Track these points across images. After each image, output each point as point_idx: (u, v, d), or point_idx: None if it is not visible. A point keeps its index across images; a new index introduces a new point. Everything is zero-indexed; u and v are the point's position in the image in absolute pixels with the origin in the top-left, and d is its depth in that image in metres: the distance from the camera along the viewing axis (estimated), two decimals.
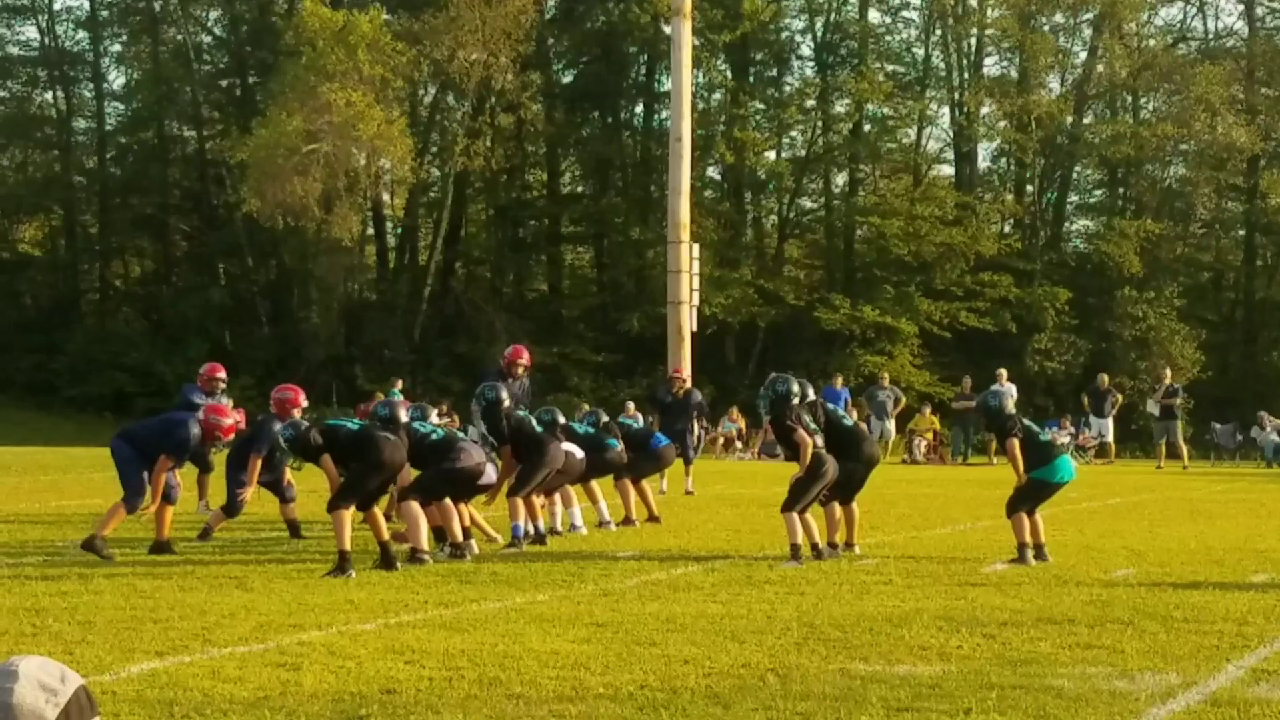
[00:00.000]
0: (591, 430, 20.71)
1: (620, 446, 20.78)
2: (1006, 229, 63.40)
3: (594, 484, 20.67)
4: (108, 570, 15.46)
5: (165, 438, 17.08)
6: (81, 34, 70.15)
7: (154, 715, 8.65)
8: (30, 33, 70.71)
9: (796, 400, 17.27)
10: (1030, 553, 16.55)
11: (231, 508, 18.89)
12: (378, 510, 16.31)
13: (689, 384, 22.02)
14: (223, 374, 21.66)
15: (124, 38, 70.32)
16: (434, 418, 19.82)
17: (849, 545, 17.66)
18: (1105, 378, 44.98)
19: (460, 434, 18.83)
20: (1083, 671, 10.18)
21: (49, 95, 71.04)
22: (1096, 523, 22.01)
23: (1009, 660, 10.60)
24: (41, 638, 11.36)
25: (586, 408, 26.58)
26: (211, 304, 62.83)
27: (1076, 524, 21.67)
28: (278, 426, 17.62)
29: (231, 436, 18.32)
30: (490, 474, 17.72)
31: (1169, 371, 45.64)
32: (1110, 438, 44.09)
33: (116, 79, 71.98)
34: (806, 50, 65.59)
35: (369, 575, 15.16)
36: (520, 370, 21.90)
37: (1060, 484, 17.08)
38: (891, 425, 44.17)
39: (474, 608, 13.03)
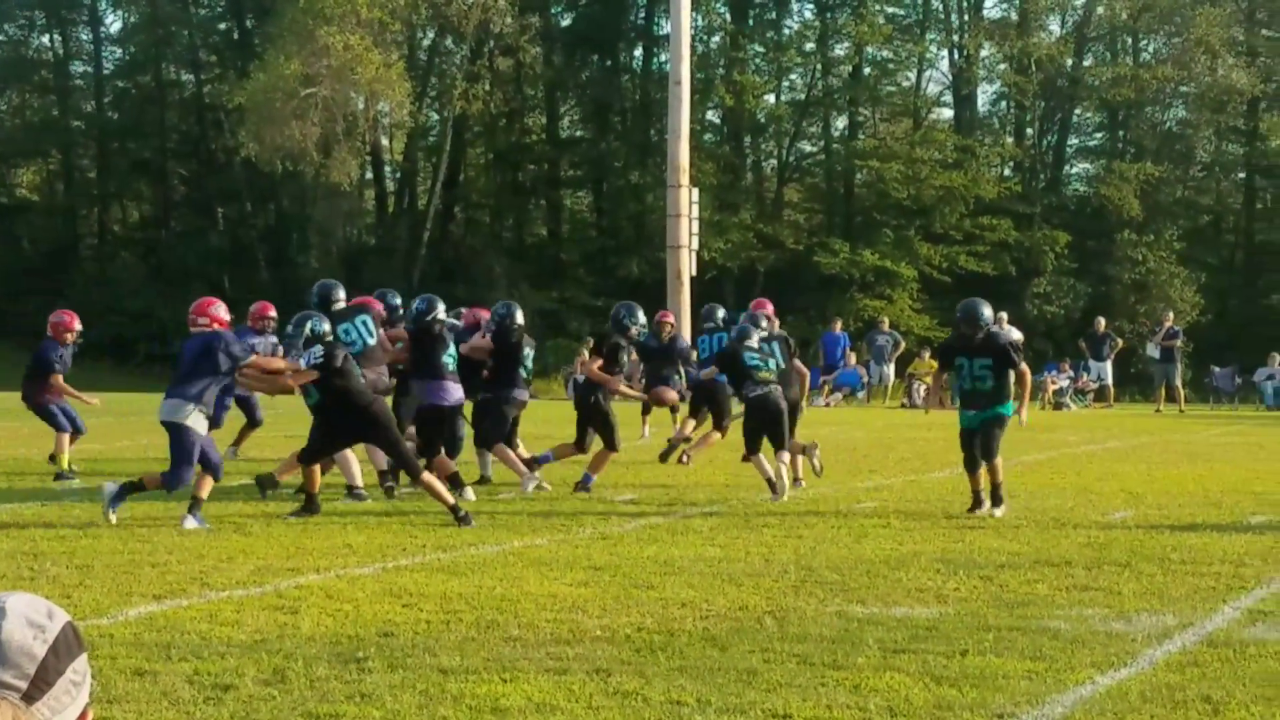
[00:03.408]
0: None
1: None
2: (1006, 172, 63.32)
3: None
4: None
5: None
6: None
7: (151, 658, 8.66)
8: None
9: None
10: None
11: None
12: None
13: (675, 329, 21.96)
14: (273, 312, 21.47)
15: None
16: None
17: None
18: (1103, 321, 44.93)
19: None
20: (1079, 613, 10.20)
21: (46, 39, 70.93)
22: (1095, 466, 22.03)
23: (1006, 602, 10.62)
24: (39, 581, 11.38)
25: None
26: (210, 248, 62.78)
27: (1075, 467, 21.69)
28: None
29: None
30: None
31: (1171, 314, 45.60)
32: (1109, 381, 44.07)
33: (114, 22, 71.94)
34: None
35: (367, 519, 15.17)
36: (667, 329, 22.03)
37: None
38: (891, 369, 44.19)
39: (472, 551, 13.04)
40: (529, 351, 18.74)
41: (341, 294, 18.54)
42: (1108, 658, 8.80)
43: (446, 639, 9.24)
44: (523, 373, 18.63)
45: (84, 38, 70.85)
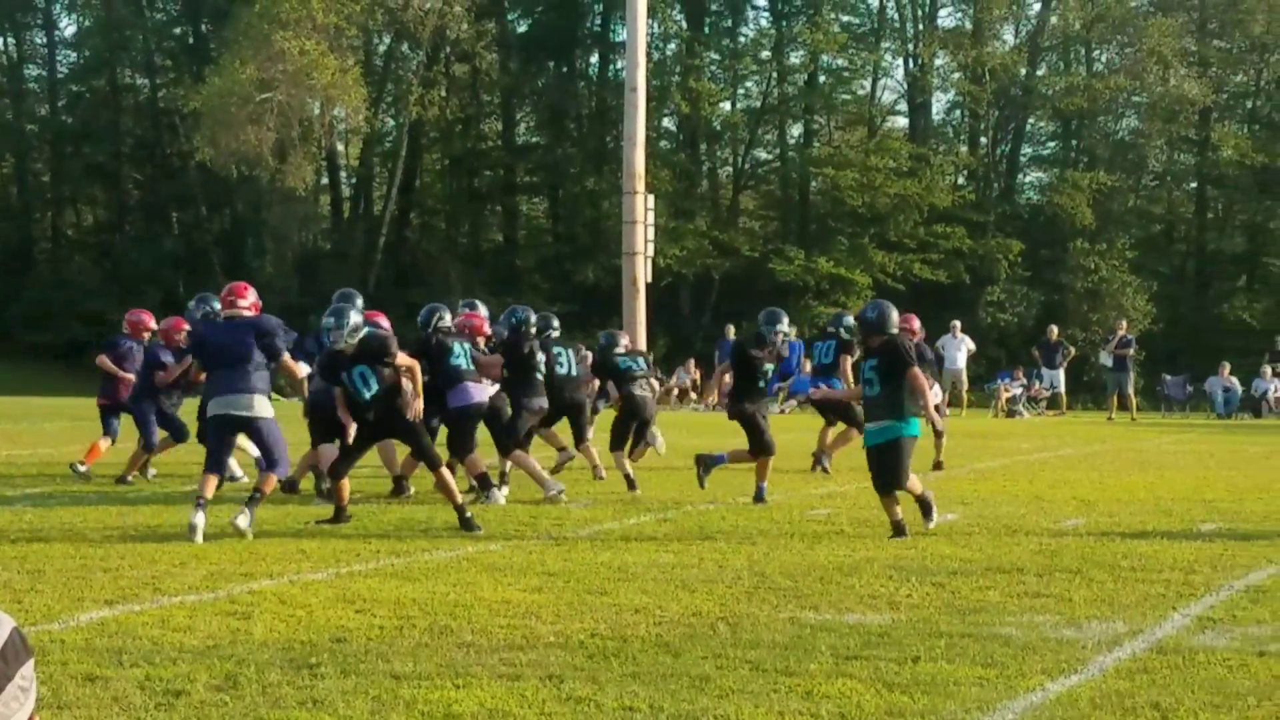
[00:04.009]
0: None
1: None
2: (960, 181, 63.57)
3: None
4: (58, 519, 15.42)
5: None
6: None
7: (103, 663, 8.64)
8: None
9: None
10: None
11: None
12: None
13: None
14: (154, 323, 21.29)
15: None
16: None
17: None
18: (1056, 329, 45.12)
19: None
20: (1030, 620, 10.24)
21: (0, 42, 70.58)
22: (1047, 473, 22.11)
23: (958, 609, 10.65)
24: None
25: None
26: (165, 253, 62.61)
27: (1027, 474, 21.78)
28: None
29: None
30: None
31: (1124, 323, 45.81)
32: (1062, 389, 44.24)
33: (68, 26, 71.70)
34: (761, 1, 65.58)
35: (320, 527, 15.14)
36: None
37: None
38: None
39: (425, 557, 13.04)
40: (560, 351, 19.02)
41: (359, 303, 18.42)
42: (1058, 664, 8.84)
43: (400, 645, 9.24)
44: (539, 379, 18.66)
45: (38, 41, 70.65)
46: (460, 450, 17.43)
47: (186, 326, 19.98)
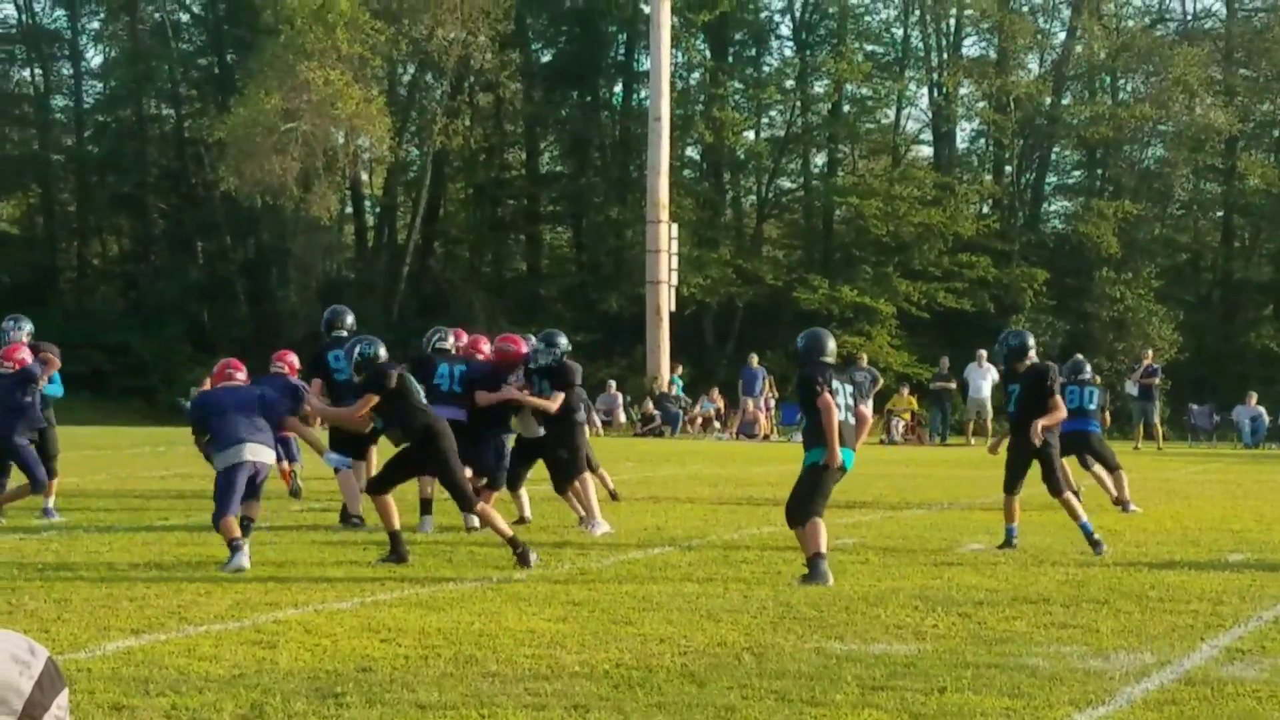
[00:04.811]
0: None
1: None
2: (985, 210, 63.47)
3: None
4: (84, 548, 15.43)
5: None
6: (59, 11, 69.95)
7: (129, 693, 8.64)
8: (7, 10, 70.79)
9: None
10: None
11: None
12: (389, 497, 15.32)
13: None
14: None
15: (102, 15, 70.07)
16: None
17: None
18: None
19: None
20: (1058, 650, 10.21)
21: (26, 73, 70.89)
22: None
23: (984, 639, 10.62)
24: (17, 615, 11.34)
25: None
26: (189, 283, 62.73)
27: (1053, 504, 21.66)
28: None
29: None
30: None
31: (1150, 352, 45.72)
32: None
33: (94, 57, 71.87)
34: (785, 30, 65.74)
35: (346, 553, 15.12)
36: None
37: None
38: (869, 406, 44.17)
39: (450, 587, 13.02)
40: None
41: (349, 320, 18.61)
42: (1085, 695, 8.81)
43: (425, 674, 9.23)
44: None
45: (65, 72, 70.82)
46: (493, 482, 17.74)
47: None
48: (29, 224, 71.71)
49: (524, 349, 18.46)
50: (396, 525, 14.79)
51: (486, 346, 18.98)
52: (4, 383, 18.14)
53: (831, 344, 14.34)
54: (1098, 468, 21.81)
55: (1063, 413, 16.37)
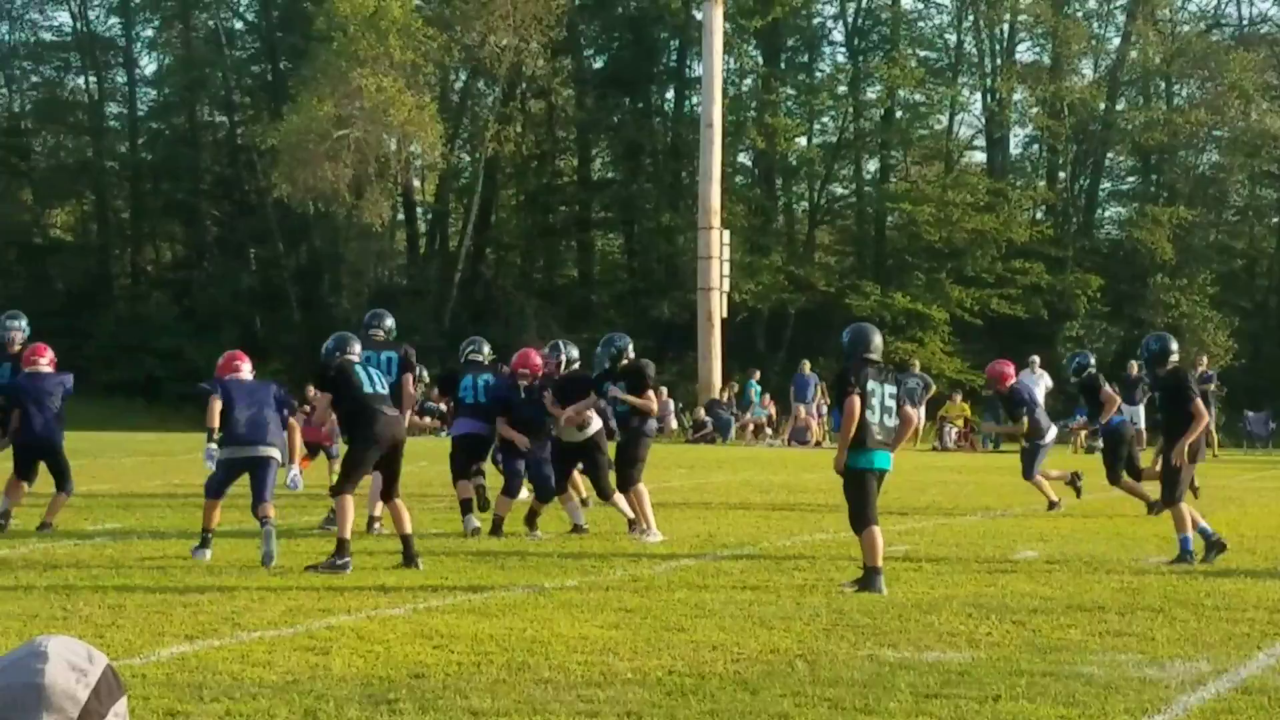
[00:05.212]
0: None
1: None
2: (1038, 216, 63.29)
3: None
4: (138, 554, 15.49)
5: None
6: (114, 19, 70.41)
7: (183, 698, 8.66)
8: (63, 18, 71.13)
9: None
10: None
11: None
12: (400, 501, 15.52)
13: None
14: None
15: (156, 23, 70.50)
16: None
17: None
18: (1135, 365, 44.80)
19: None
20: (1113, 659, 10.15)
21: (81, 81, 71.34)
22: (1127, 510, 21.91)
23: (1038, 647, 10.57)
24: (72, 620, 11.39)
25: None
26: (242, 289, 63.01)
27: (1107, 511, 21.60)
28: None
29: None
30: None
31: (1205, 358, 45.46)
32: (1142, 425, 43.90)
33: (148, 64, 72.31)
34: (838, 36, 65.61)
35: (398, 560, 15.13)
36: None
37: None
38: (922, 412, 44.09)
39: (503, 593, 13.02)
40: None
41: (387, 323, 18.70)
42: (1141, 704, 8.75)
43: (478, 681, 9.23)
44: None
45: (119, 79, 71.22)
46: (454, 473, 18.59)
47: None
48: (83, 231, 72.16)
49: (538, 361, 18.57)
50: (348, 533, 14.83)
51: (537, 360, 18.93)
52: (41, 382, 18.08)
53: (877, 339, 14.10)
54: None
55: (1204, 419, 16.21)
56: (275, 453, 15.69)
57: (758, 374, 48.75)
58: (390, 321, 18.84)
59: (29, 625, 11.13)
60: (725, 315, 48.59)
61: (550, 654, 10.11)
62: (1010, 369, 22.84)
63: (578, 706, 8.53)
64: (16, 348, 18.48)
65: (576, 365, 18.98)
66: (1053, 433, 23.48)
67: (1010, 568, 15.01)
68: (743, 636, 10.88)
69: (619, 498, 17.87)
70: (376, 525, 17.84)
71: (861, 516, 13.57)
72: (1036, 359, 42.20)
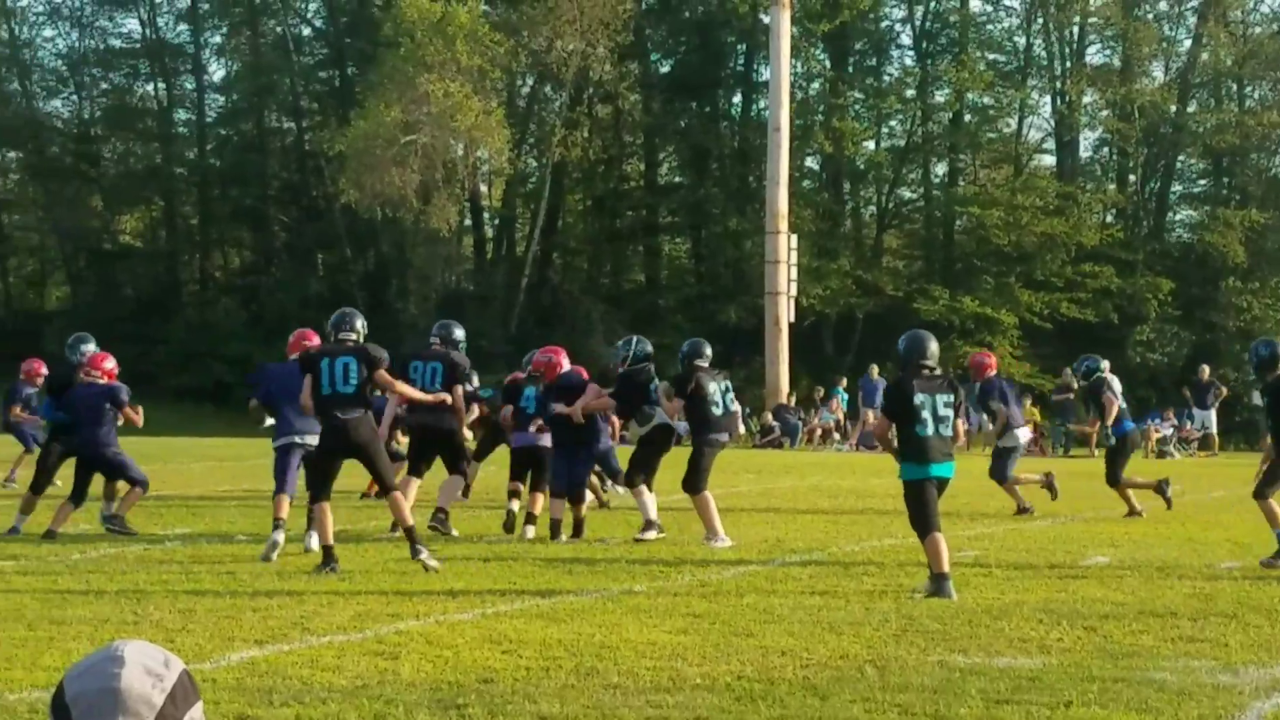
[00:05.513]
0: None
1: None
2: (1108, 219, 62.91)
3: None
4: (207, 559, 15.56)
5: None
6: (182, 26, 70.83)
7: (253, 703, 8.68)
8: (132, 25, 71.39)
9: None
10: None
11: None
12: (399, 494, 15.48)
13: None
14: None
15: (224, 30, 70.92)
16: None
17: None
18: (1207, 369, 44.59)
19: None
20: (1185, 665, 10.07)
21: (150, 87, 71.82)
22: (1199, 515, 21.77)
23: (1110, 653, 10.49)
24: (143, 625, 11.44)
25: None
26: (310, 295, 63.25)
27: (1179, 516, 21.45)
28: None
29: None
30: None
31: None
32: (1214, 429, 43.64)
33: (217, 71, 72.67)
34: (906, 39, 65.41)
35: (467, 565, 15.15)
36: None
37: None
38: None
39: (571, 598, 13.01)
40: (715, 387, 18.10)
41: (457, 334, 18.82)
42: (1215, 710, 8.68)
43: (546, 686, 9.22)
44: (716, 411, 17.89)
45: (188, 86, 71.64)
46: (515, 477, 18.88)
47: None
48: (152, 237, 72.61)
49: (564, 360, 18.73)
50: (330, 537, 14.98)
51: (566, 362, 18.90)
52: (90, 393, 18.18)
53: (933, 346, 13.99)
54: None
55: None
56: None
57: (844, 381, 48.72)
58: (459, 332, 18.87)
59: (100, 630, 11.19)
60: (792, 320, 48.49)
61: (619, 659, 10.09)
62: (991, 360, 22.82)
63: (646, 712, 8.51)
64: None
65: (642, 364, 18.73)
66: (1025, 434, 23.59)
67: (1081, 573, 14.92)
68: (811, 642, 10.84)
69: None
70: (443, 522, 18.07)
71: (922, 524, 13.52)
72: (1106, 364, 41.83)
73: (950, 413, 13.56)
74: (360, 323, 15.95)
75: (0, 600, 12.57)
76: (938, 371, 13.93)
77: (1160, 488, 21.94)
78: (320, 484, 15.26)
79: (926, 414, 13.43)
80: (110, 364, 18.45)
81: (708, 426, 17.69)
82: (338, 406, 15.11)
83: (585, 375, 19.04)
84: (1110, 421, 21.92)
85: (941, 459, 13.54)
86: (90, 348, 19.09)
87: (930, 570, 13.43)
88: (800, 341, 50.67)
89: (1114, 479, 21.63)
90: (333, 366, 15.27)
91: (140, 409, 18.72)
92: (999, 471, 21.82)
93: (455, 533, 17.92)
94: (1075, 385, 43.21)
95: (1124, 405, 22.27)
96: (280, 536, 15.62)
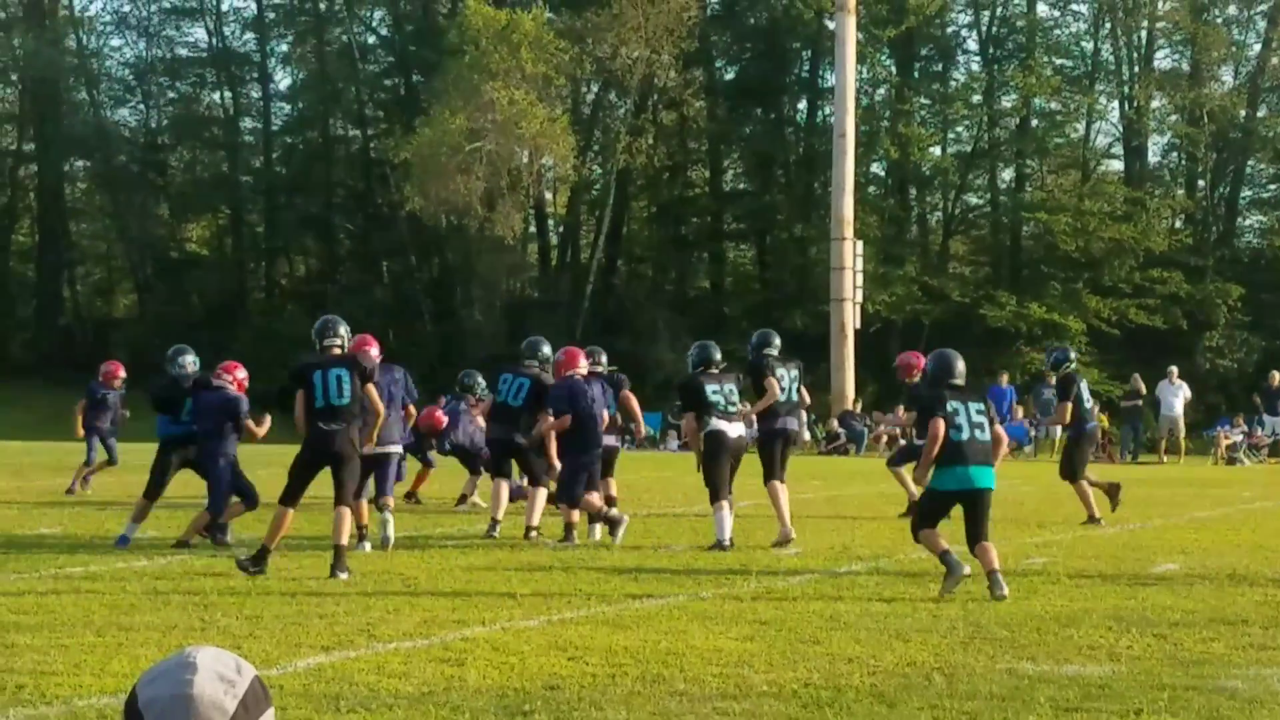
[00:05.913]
0: None
1: None
2: (1177, 224, 62.58)
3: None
4: (274, 565, 15.58)
5: None
6: (248, 35, 71.29)
7: (320, 709, 8.69)
8: (198, 34, 71.98)
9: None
10: None
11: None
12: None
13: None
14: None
15: (290, 38, 71.35)
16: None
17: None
18: (1277, 375, 44.21)
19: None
20: (1257, 673, 9.97)
21: (216, 96, 72.33)
22: (1271, 522, 21.61)
23: (1181, 661, 10.41)
24: (210, 631, 11.47)
25: None
26: (375, 302, 63.48)
27: (1249, 523, 21.29)
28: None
29: None
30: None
31: None
32: None
33: (282, 79, 73.14)
34: (972, 45, 65.29)
35: (531, 574, 15.14)
36: None
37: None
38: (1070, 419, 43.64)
39: (636, 605, 12.99)
40: (785, 374, 18.37)
41: (544, 350, 19.38)
42: None
43: (612, 693, 9.20)
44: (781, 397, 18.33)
45: (254, 95, 72.13)
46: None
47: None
48: (218, 245, 73.05)
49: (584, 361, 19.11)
50: (276, 541, 15.07)
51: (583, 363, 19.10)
52: (217, 398, 18.26)
53: (960, 365, 14.75)
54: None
55: None
56: (391, 448, 17.88)
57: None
58: (546, 349, 19.49)
59: (167, 636, 11.23)
60: (858, 326, 48.41)
61: (685, 666, 10.06)
62: (919, 360, 22.46)
63: (713, 719, 8.48)
64: (190, 382, 18.80)
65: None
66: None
67: (1150, 581, 14.80)
68: (878, 649, 10.79)
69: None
70: (495, 529, 18.58)
71: (915, 529, 14.42)
72: (1174, 370, 41.73)
73: (984, 419, 14.05)
74: (344, 329, 15.98)
75: (69, 606, 12.62)
76: (964, 387, 14.60)
77: (1111, 491, 21.74)
78: (294, 491, 15.41)
79: (961, 420, 13.92)
80: (242, 374, 18.56)
81: (772, 414, 17.85)
82: (331, 418, 15.36)
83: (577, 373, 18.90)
84: (1068, 420, 21.70)
85: (981, 461, 13.98)
86: (190, 359, 19.19)
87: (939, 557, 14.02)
88: (866, 348, 50.56)
89: (1074, 475, 21.41)
90: (325, 379, 15.33)
91: (267, 419, 18.92)
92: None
93: (575, 540, 17.84)
94: (1143, 390, 43.10)
95: (1088, 404, 22.01)
96: (391, 530, 17.22)
